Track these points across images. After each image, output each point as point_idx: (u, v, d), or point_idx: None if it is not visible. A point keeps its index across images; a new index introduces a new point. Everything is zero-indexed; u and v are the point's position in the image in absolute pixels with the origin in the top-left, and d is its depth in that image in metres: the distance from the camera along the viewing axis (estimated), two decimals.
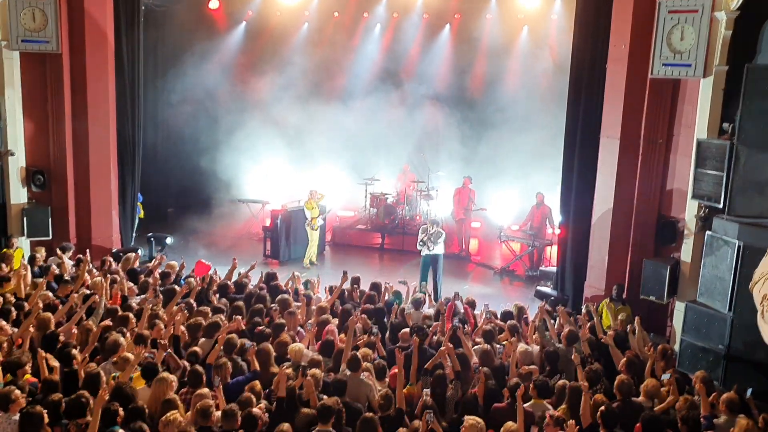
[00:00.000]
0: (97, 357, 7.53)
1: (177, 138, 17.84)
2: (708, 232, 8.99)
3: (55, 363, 6.87)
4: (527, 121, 16.59)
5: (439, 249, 12.58)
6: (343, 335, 8.37)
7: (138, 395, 6.48)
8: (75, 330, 7.89)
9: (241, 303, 9.29)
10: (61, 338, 7.58)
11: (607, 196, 11.30)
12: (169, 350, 7.47)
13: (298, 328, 8.78)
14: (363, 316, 8.99)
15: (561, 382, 7.34)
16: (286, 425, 6.08)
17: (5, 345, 7.27)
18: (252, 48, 18.30)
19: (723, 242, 8.62)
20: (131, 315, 8.31)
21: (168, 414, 5.99)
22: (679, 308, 9.80)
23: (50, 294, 9.13)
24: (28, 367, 6.89)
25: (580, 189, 11.93)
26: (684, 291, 9.94)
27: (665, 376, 7.16)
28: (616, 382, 7.06)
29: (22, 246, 11.96)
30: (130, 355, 7.07)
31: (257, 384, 6.92)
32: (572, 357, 7.71)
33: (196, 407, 6.15)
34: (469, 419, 6.24)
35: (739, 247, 8.36)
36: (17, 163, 12.26)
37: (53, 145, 12.66)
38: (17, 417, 5.99)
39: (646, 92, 10.66)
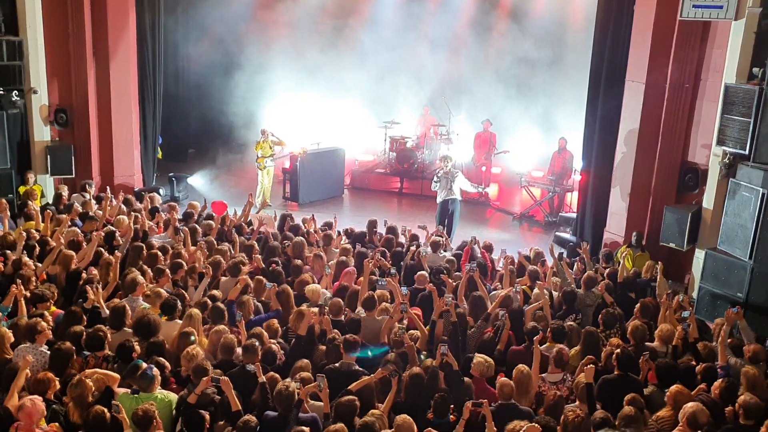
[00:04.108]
0: (119, 293, 7.65)
1: (197, 78, 17.77)
2: (731, 179, 8.90)
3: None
4: (553, 64, 16.24)
5: (457, 193, 12.41)
6: (361, 278, 8.46)
7: (161, 327, 6.61)
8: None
9: (251, 243, 9.38)
10: (84, 275, 7.70)
11: (630, 141, 11.15)
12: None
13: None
14: (381, 258, 9.06)
15: (570, 324, 7.37)
16: (304, 361, 6.23)
17: (31, 280, 7.43)
18: None
19: (747, 189, 8.52)
20: (159, 253, 8.41)
21: (189, 348, 6.11)
22: (699, 256, 9.78)
23: (77, 230, 9.24)
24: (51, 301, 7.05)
25: (603, 134, 11.75)
26: (704, 238, 9.88)
27: (685, 314, 7.14)
28: (629, 328, 7.08)
29: (40, 183, 12.07)
30: (162, 290, 7.20)
31: (275, 322, 7.04)
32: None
33: (219, 343, 6.29)
34: (478, 357, 6.34)
35: (763, 194, 8.28)
36: (40, 101, 12.29)
37: (75, 83, 12.68)
38: (44, 348, 6.16)
39: (674, 35, 10.40)
